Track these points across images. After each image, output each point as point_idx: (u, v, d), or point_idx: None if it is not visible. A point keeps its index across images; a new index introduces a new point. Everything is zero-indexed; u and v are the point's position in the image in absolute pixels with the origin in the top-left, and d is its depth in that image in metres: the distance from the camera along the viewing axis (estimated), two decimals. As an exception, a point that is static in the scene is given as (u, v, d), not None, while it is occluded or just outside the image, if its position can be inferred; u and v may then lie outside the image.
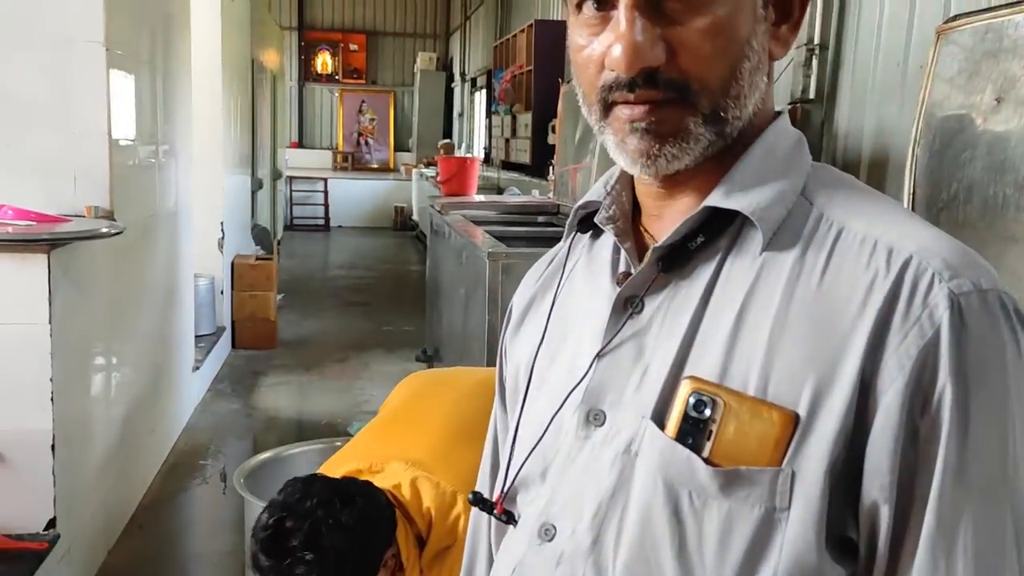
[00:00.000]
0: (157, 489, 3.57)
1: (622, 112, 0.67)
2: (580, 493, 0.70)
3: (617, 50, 0.64)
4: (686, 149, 0.67)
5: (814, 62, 2.66)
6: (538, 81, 6.32)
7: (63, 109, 2.91)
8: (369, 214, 13.37)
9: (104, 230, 2.69)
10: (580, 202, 0.80)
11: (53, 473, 2.51)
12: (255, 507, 2.63)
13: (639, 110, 0.66)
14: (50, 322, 2.46)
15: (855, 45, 2.55)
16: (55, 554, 2.47)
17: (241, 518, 2.80)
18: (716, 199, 0.68)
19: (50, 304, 2.46)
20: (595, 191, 0.78)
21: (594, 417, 0.70)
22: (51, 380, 2.48)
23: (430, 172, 9.90)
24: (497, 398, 0.90)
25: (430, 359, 4.33)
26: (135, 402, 3.41)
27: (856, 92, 2.54)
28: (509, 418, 0.85)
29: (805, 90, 2.68)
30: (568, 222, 0.82)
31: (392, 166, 14.98)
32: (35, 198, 2.73)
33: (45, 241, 2.46)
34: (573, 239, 0.82)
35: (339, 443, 3.37)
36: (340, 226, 13.16)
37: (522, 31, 7.04)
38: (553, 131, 5.48)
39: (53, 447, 2.50)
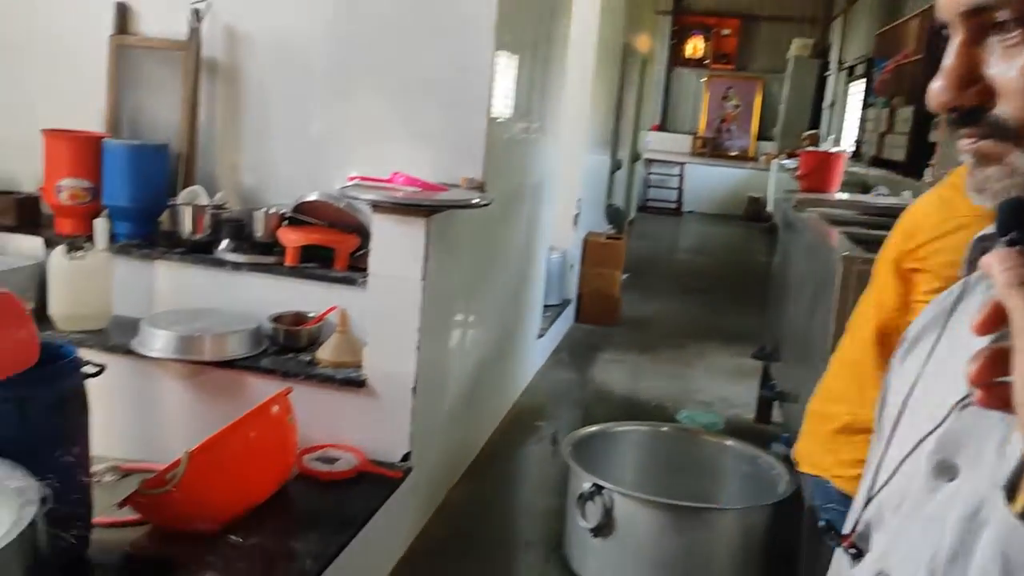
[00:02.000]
0: (495, 442, 3.87)
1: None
2: (918, 549, 0.65)
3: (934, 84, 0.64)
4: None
5: None
6: (926, 72, 5.75)
7: (454, 87, 3.23)
8: (721, 201, 13.17)
9: (475, 200, 2.95)
10: (980, 234, 0.72)
11: (412, 412, 2.83)
12: (578, 474, 2.76)
13: (966, 141, 0.64)
14: (423, 279, 2.76)
15: None
16: (407, 484, 2.79)
17: (565, 482, 2.95)
18: None
19: (424, 263, 2.76)
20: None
21: (945, 470, 0.65)
22: (418, 330, 2.79)
23: (790, 164, 9.46)
24: (876, 421, 0.86)
25: (767, 357, 4.19)
26: (484, 360, 3.72)
27: None
28: (874, 447, 0.81)
29: None
30: (964, 256, 0.74)
31: (751, 155, 14.57)
32: (422, 167, 3.07)
33: (426, 207, 2.76)
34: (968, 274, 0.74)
35: (665, 428, 3.41)
36: (691, 211, 13.13)
37: (914, 16, 6.45)
38: (936, 128, 4.97)
39: (414, 389, 2.82)
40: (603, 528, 2.65)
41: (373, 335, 2.84)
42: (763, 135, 14.66)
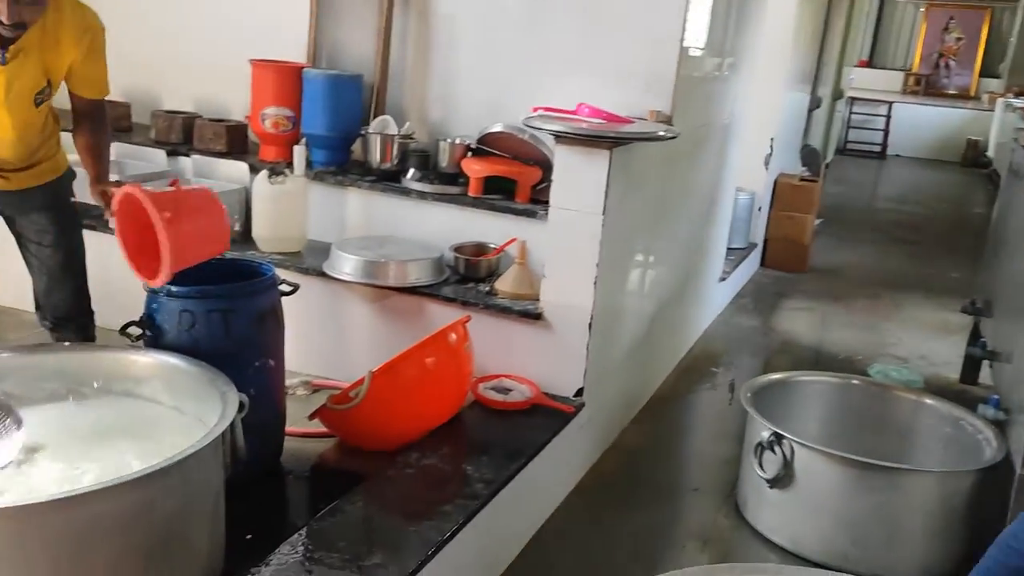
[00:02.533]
0: (670, 385, 3.79)
1: None
2: None
3: None
4: None
5: None
6: None
7: (645, 20, 3.11)
8: (934, 145, 12.12)
9: (661, 133, 2.84)
10: None
11: (587, 348, 2.81)
12: (757, 423, 2.65)
13: None
14: (603, 213, 2.71)
15: None
16: (579, 420, 2.79)
17: (742, 430, 2.85)
18: None
19: (606, 196, 2.70)
20: None
21: None
22: (597, 264, 2.74)
23: (1020, 103, 8.53)
24: None
25: (978, 313, 3.83)
26: (663, 300, 3.63)
27: None
28: None
29: None
30: None
31: (973, 93, 13.27)
32: (609, 99, 2.99)
33: (609, 139, 2.69)
34: None
35: (855, 381, 3.19)
36: (898, 155, 12.18)
37: None
38: None
39: (590, 324, 2.79)
40: (781, 479, 2.54)
41: (551, 268, 2.83)
42: (988, 72, 13.30)
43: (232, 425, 1.87)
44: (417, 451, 2.44)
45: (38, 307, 2.42)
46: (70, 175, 2.42)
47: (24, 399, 2.05)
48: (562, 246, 2.79)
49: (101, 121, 2.49)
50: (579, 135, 2.67)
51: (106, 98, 2.47)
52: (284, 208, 3.25)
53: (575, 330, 2.81)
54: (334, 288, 3.09)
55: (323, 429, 2.66)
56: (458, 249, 3.16)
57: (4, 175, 2.17)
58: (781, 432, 2.54)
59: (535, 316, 2.85)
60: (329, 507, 2.12)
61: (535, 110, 2.93)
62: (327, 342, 3.16)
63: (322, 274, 3.08)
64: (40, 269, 2.36)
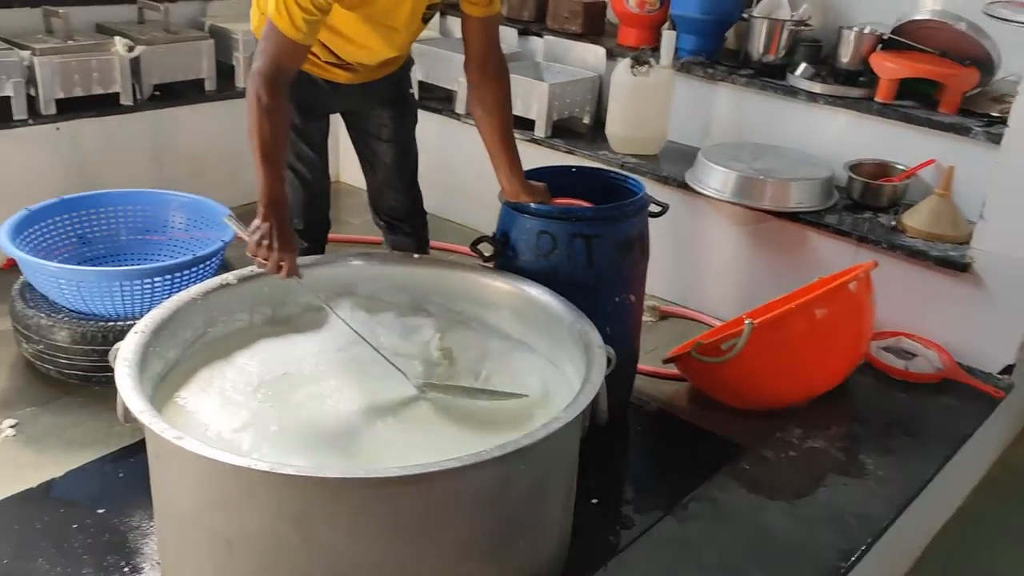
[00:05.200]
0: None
1: None
2: None
3: None
4: None
5: None
6: None
7: None
8: None
9: None
10: None
11: (1026, 315, 2.15)
12: None
13: None
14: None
15: None
16: (1005, 406, 2.16)
17: None
18: None
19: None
20: None
21: None
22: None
23: None
24: None
25: None
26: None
27: None
28: None
29: None
30: None
31: None
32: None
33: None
34: None
35: None
36: None
37: None
38: None
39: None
40: None
41: (994, 207, 2.15)
42: None
43: (600, 387, 1.52)
44: (799, 425, 1.98)
45: (373, 207, 2.24)
46: (410, 63, 2.16)
47: (369, 309, 1.87)
48: (1018, 179, 2.10)
49: (501, 65, 1.93)
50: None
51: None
52: (645, 103, 2.81)
53: (1016, 290, 2.15)
54: (696, 204, 2.64)
55: (675, 370, 2.28)
56: (854, 168, 2.55)
57: (353, 69, 1.95)
58: None
59: (960, 266, 2.21)
60: (691, 494, 1.75)
61: (998, -8, 2.20)
62: (681, 264, 2.73)
63: (683, 186, 2.64)
64: (375, 166, 2.16)
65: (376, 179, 2.20)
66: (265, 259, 1.66)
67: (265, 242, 1.64)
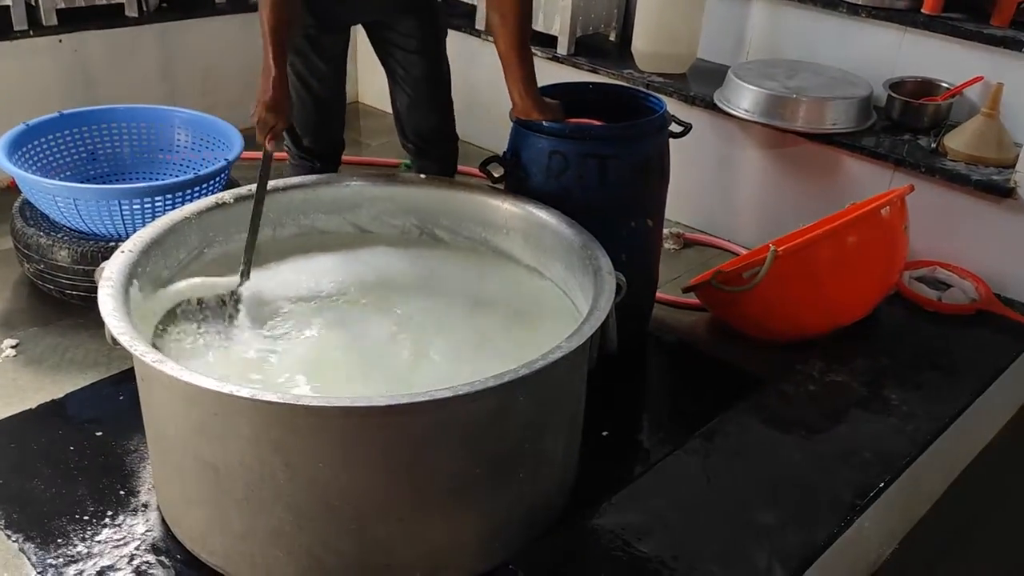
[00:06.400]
0: None
1: None
2: None
3: None
4: None
5: None
6: None
7: None
8: None
9: None
10: None
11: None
12: None
13: None
14: None
15: None
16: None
17: None
18: None
19: None
20: None
21: None
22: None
23: None
24: None
25: None
26: None
27: None
28: None
29: None
30: None
31: None
32: None
33: None
34: None
35: None
36: None
37: None
38: None
39: (1086, 214, 1.98)
40: None
41: (1044, 129, 2.01)
42: None
43: (610, 313, 1.44)
44: (821, 358, 1.89)
45: (400, 128, 2.13)
46: (437, -33, 2.02)
47: (376, 234, 1.80)
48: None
49: None
50: None
51: None
52: (673, 18, 2.64)
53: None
54: (725, 125, 2.50)
55: (695, 300, 2.19)
56: (894, 86, 2.39)
57: None
58: None
59: (1003, 191, 2.08)
60: (705, 427, 1.67)
61: None
62: (707, 189, 2.61)
63: (711, 106, 2.50)
64: (404, 80, 2.03)
65: (404, 96, 2.06)
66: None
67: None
